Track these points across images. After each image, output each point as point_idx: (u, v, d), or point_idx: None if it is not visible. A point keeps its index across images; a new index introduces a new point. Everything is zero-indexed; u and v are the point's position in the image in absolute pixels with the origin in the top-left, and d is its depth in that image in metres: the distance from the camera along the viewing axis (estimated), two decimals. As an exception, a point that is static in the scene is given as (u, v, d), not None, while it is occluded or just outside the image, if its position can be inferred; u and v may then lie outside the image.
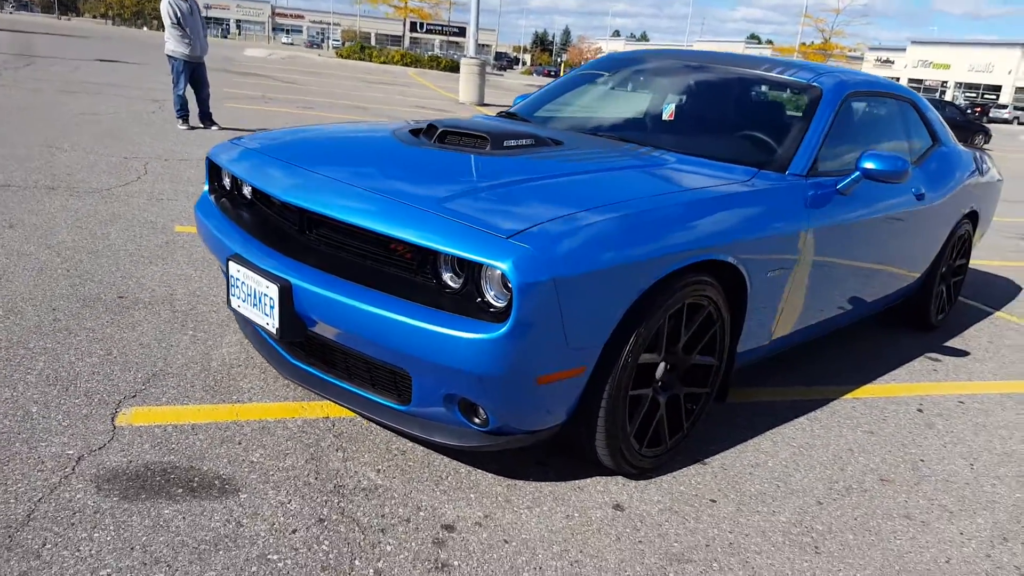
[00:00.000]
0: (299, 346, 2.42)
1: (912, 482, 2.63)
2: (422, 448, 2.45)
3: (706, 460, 2.59)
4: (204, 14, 8.88)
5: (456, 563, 1.94)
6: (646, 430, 2.39)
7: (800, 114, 3.06)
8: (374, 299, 2.05)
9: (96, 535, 1.89)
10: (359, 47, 37.53)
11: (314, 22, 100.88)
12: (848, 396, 3.27)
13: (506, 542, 2.04)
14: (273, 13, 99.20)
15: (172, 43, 8.33)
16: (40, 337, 2.94)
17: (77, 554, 1.82)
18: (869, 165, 2.86)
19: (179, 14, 8.27)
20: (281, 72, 21.50)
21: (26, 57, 16.45)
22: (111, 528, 1.92)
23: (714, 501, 2.35)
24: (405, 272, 2.10)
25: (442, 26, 75.12)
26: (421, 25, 71.15)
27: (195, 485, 2.13)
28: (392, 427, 2.20)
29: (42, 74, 13.06)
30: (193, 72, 8.52)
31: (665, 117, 3.48)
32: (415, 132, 2.76)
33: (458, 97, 18.75)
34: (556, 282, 1.90)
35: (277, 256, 2.28)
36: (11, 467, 2.12)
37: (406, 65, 33.38)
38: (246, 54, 31.02)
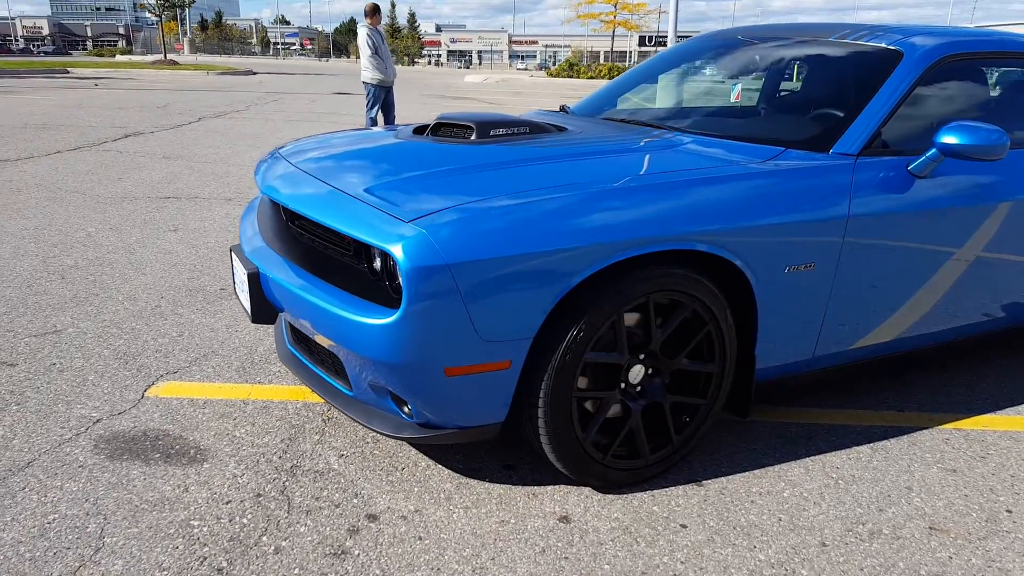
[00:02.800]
0: (292, 330, 2.54)
1: (977, 536, 2.12)
2: (396, 441, 2.44)
3: (705, 481, 2.30)
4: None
5: (357, 552, 1.91)
6: (616, 439, 2.18)
7: (864, 84, 2.61)
8: (309, 285, 2.10)
9: (67, 485, 2.13)
10: (567, 65, 38.30)
11: (547, 46, 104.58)
12: (946, 426, 2.71)
13: (419, 539, 1.98)
14: (510, 41, 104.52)
15: (369, 71, 9.10)
16: (135, 319, 3.37)
17: (42, 499, 2.06)
18: (950, 139, 2.36)
19: (375, 44, 9.03)
20: (489, 95, 22.52)
21: (275, 95, 18.88)
22: (82, 481, 2.15)
23: (684, 527, 2.08)
24: (348, 260, 2.13)
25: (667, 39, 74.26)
26: (650, 39, 70.77)
27: (172, 452, 2.32)
28: (345, 414, 2.22)
29: (282, 107, 14.94)
30: (385, 97, 9.24)
31: (732, 99, 3.15)
32: (420, 128, 2.77)
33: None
34: (453, 268, 1.81)
35: (260, 246, 2.41)
36: (43, 423, 2.46)
37: (612, 78, 33.43)
38: (465, 80, 33.00)
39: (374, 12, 9.27)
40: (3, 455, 2.26)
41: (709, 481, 2.30)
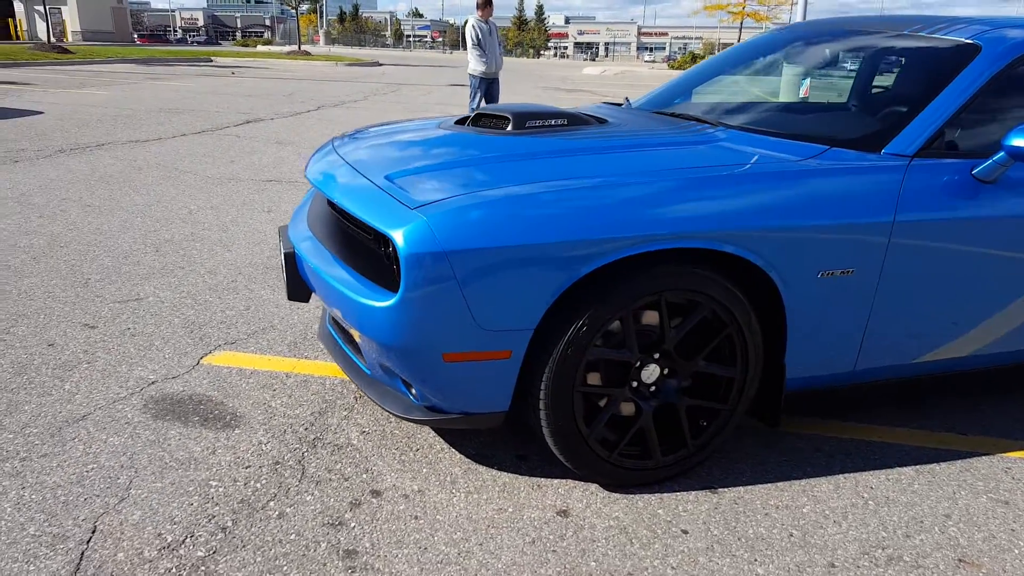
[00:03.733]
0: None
1: (1012, 571, 1.95)
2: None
3: (720, 488, 2.22)
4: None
5: (353, 524, 1.98)
6: (625, 437, 2.15)
7: (932, 80, 2.42)
8: (332, 266, 2.19)
9: (111, 439, 2.32)
10: (690, 57, 37.31)
11: (677, 38, 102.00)
12: (1013, 454, 2.49)
13: (415, 517, 2.02)
14: (639, 33, 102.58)
15: (473, 62, 9.23)
16: (210, 292, 3.60)
17: (87, 450, 2.26)
18: (1021, 142, 2.16)
19: (479, 36, 9.15)
20: (604, 87, 22.20)
21: (395, 85, 19.42)
22: (125, 436, 2.33)
23: (686, 532, 2.02)
24: (371, 245, 2.20)
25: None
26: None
27: (211, 416, 2.48)
28: (364, 393, 2.30)
29: (398, 98, 15.39)
30: (488, 87, 9.35)
31: (801, 94, 3.01)
32: (463, 119, 2.80)
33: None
34: (450, 255, 1.84)
35: (302, 229, 2.52)
36: (105, 381, 2.68)
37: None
38: (583, 72, 32.71)
39: (486, 4, 9.37)
40: (64, 408, 2.48)
41: (725, 489, 2.22)
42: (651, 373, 2.14)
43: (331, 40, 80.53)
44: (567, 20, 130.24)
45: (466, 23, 9.24)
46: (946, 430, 2.62)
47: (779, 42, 3.20)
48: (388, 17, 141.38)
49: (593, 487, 2.20)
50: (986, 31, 2.51)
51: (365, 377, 2.29)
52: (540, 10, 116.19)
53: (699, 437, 2.23)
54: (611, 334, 2.06)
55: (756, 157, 2.22)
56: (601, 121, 2.70)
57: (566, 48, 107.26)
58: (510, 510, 2.08)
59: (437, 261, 1.84)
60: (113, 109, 10.75)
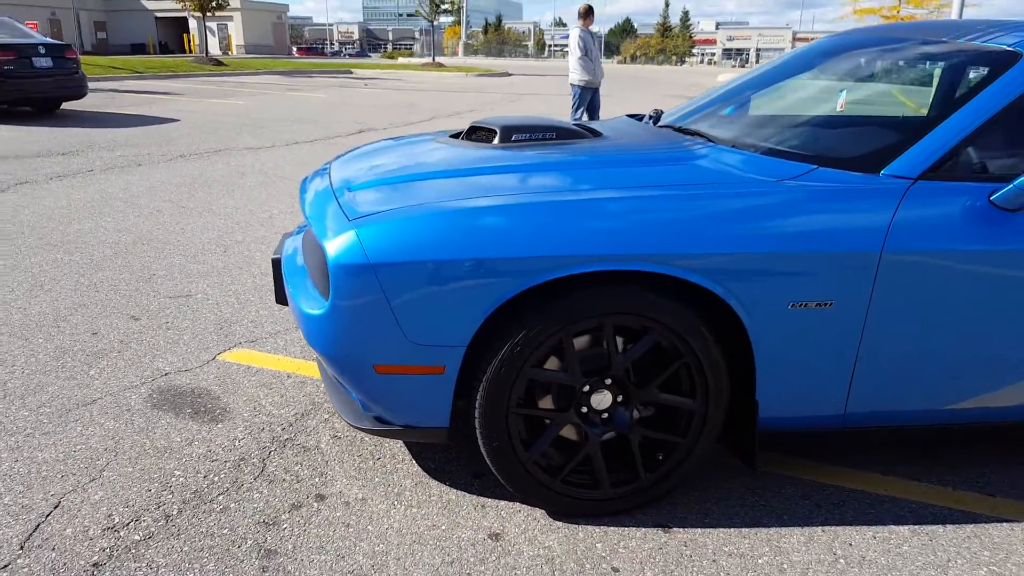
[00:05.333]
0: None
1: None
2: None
3: (674, 528, 2.09)
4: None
5: (285, 526, 2.03)
6: (568, 464, 2.07)
7: (955, 94, 2.19)
8: (293, 274, 2.26)
9: (107, 424, 2.49)
10: None
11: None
12: (1035, 524, 2.20)
13: (347, 525, 2.04)
14: (794, 39, 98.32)
15: (577, 72, 9.22)
16: (253, 292, 3.80)
17: (83, 431, 2.44)
18: (1045, 168, 1.92)
19: (587, 46, 9.12)
20: None
21: (517, 96, 19.65)
22: (121, 422, 2.50)
23: (616, 571, 1.92)
24: (322, 253, 2.24)
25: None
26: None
27: (202, 410, 2.61)
28: (330, 399, 2.35)
29: (518, 108, 15.58)
30: (591, 98, 9.30)
31: (838, 108, 2.80)
32: (459, 132, 2.79)
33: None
34: (377, 268, 1.85)
35: (298, 238, 2.62)
36: (126, 370, 2.88)
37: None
38: (718, 79, 31.65)
39: (587, 14, 9.35)
40: (80, 391, 2.70)
41: (680, 529, 2.09)
42: (602, 400, 2.05)
43: (472, 51, 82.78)
44: (717, 26, 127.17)
45: (571, 33, 9.25)
46: (970, 489, 2.35)
47: (817, 53, 2.99)
48: (531, 27, 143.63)
49: (539, 513, 2.14)
50: (1030, 40, 2.24)
51: (330, 382, 2.34)
52: (685, 16, 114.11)
53: (655, 471, 2.12)
54: (546, 355, 1.99)
55: (727, 177, 2.09)
56: (596, 135, 2.63)
57: (714, 54, 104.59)
58: (443, 527, 2.05)
59: (364, 273, 1.85)
60: (243, 118, 11.56)
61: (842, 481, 2.35)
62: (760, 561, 1.98)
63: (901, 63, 2.68)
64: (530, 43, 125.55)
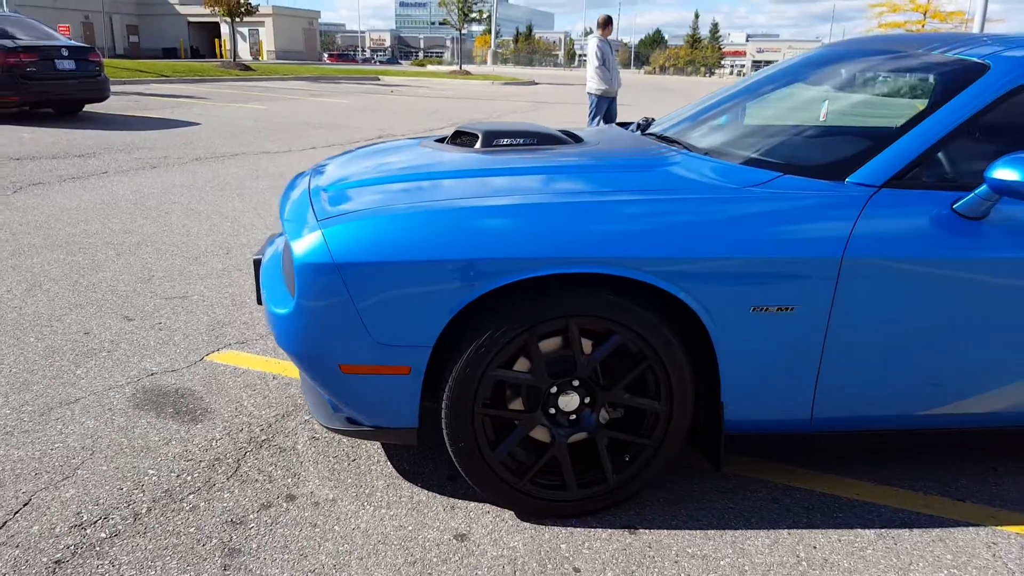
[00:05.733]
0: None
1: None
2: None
3: (640, 530, 2.09)
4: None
5: (252, 525, 2.05)
6: (535, 465, 2.08)
7: (923, 103, 2.16)
8: (269, 275, 2.29)
9: (88, 422, 2.54)
10: None
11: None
12: (1008, 528, 2.15)
13: (314, 525, 2.06)
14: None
15: (595, 82, 9.19)
16: (249, 295, 3.84)
17: (62, 430, 2.48)
18: (1005, 174, 1.88)
19: (604, 56, 9.11)
20: None
21: (541, 104, 19.67)
22: (101, 421, 2.55)
23: (577, 571, 1.92)
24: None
25: None
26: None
27: (184, 410, 2.65)
28: (305, 398, 2.37)
29: (539, 116, 15.62)
30: (608, 107, 9.28)
31: (820, 118, 2.78)
32: (444, 137, 2.81)
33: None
34: (342, 268, 1.87)
35: (273, 244, 2.65)
36: (113, 369, 2.93)
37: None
38: None
39: (606, 24, 9.35)
40: (64, 390, 2.75)
41: (647, 531, 2.08)
42: (570, 401, 2.05)
43: (502, 60, 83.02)
44: (747, 38, 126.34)
45: (589, 42, 9.23)
46: (941, 493, 2.31)
47: (802, 66, 2.97)
48: (561, 37, 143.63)
49: (508, 514, 2.14)
50: (1003, 49, 2.21)
51: (307, 384, 2.37)
52: (715, 28, 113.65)
53: (623, 472, 2.11)
54: (512, 357, 2.00)
55: (693, 183, 2.08)
56: (577, 141, 2.63)
57: (743, 66, 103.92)
58: (410, 528, 2.06)
59: (328, 273, 1.87)
60: (263, 122, 11.71)
61: (814, 485, 2.32)
62: (722, 563, 1.96)
63: (881, 74, 2.65)
64: (560, 52, 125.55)
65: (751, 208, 1.96)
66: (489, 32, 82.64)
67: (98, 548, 1.92)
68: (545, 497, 2.10)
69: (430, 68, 48.39)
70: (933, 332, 2.02)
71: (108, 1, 49.40)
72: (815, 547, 2.04)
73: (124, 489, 2.18)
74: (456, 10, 35.15)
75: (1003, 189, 1.88)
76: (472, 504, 2.17)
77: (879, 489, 2.32)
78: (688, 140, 2.57)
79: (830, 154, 2.16)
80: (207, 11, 29.76)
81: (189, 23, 55.33)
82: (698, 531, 2.09)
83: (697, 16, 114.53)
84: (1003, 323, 2.02)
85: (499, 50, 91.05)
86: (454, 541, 2.01)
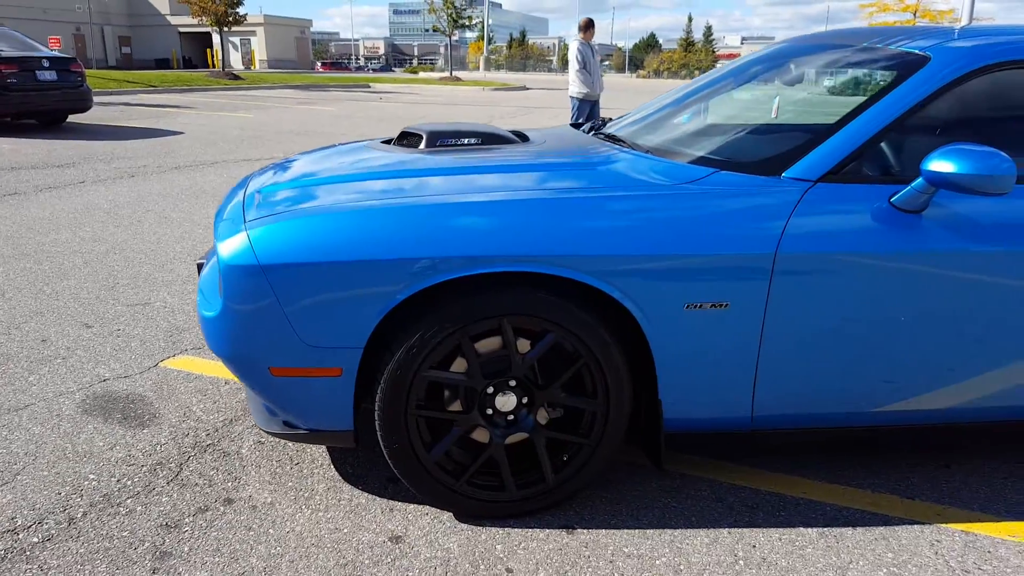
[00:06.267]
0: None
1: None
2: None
3: (578, 529, 2.07)
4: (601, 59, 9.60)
5: (187, 529, 2.04)
6: (471, 466, 2.07)
7: (864, 95, 2.16)
8: (205, 279, 2.28)
9: (34, 429, 2.52)
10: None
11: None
12: (953, 525, 2.14)
13: (249, 529, 2.05)
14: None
15: (576, 85, 9.22)
16: (211, 299, 3.83)
17: (6, 437, 2.47)
18: (940, 166, 1.88)
19: (585, 59, 9.13)
20: None
21: (530, 109, 19.71)
22: (48, 427, 2.53)
23: (510, 572, 1.91)
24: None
25: None
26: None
27: (132, 415, 2.63)
28: (248, 402, 2.36)
29: (528, 120, 15.65)
30: (590, 110, 9.30)
31: (772, 115, 2.78)
32: (391, 139, 2.81)
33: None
34: (267, 270, 1.86)
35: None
36: (66, 376, 2.92)
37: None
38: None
39: (587, 27, 9.38)
40: (15, 397, 2.73)
41: (585, 530, 2.07)
42: (507, 402, 2.05)
43: (496, 66, 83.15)
44: (742, 41, 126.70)
45: (570, 46, 9.26)
46: (889, 492, 2.30)
47: (757, 61, 2.97)
48: (555, 43, 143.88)
49: (447, 516, 2.13)
50: (945, 41, 2.21)
51: (244, 387, 2.35)
52: (708, 31, 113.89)
53: (561, 472, 2.10)
54: (446, 357, 1.99)
55: (628, 181, 2.08)
56: (525, 140, 2.63)
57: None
58: (345, 530, 2.05)
59: (254, 275, 1.86)
60: (247, 131, 11.70)
61: (760, 484, 2.32)
62: (658, 562, 1.95)
63: (829, 69, 2.66)
64: (554, 58, 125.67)
65: (682, 205, 1.96)
66: (482, 38, 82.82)
67: (28, 553, 1.91)
68: (483, 498, 2.08)
69: (422, 75, 48.47)
70: (873, 328, 2.01)
71: (100, 13, 49.47)
72: (755, 546, 2.03)
73: (62, 494, 2.16)
74: (446, 16, 35.24)
75: (938, 181, 1.88)
76: (412, 506, 2.16)
77: (828, 487, 2.31)
78: (635, 139, 2.57)
79: (768, 150, 2.16)
80: (195, 21, 29.78)
81: (181, 33, 55.39)
82: (637, 530, 2.08)
83: (690, 20, 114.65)
84: (943, 317, 2.02)
85: (492, 56, 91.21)
86: (389, 543, 2.00)
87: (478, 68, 75.06)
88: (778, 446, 2.20)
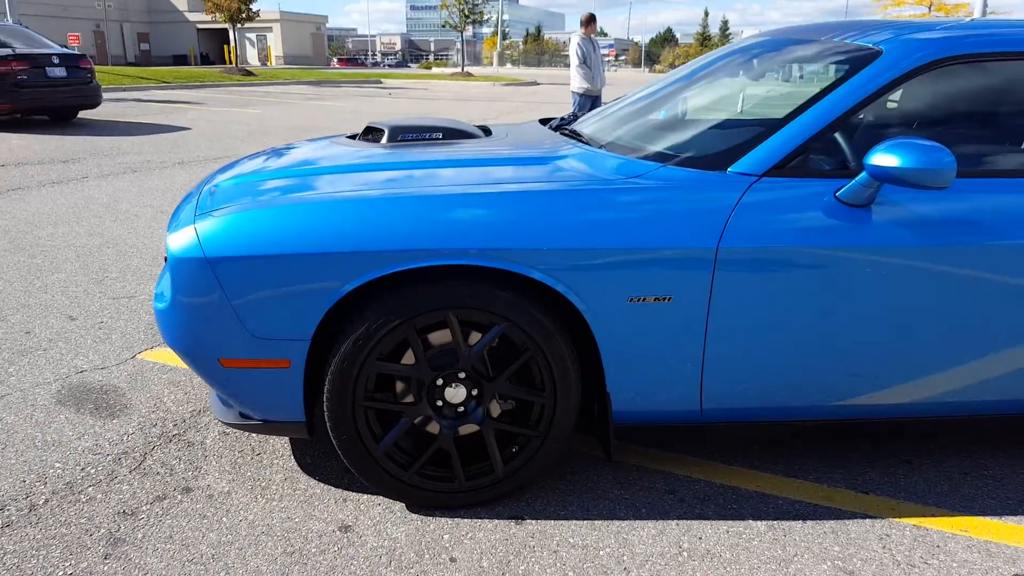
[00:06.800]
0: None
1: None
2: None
3: (527, 520, 2.10)
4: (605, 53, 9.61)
5: (143, 516, 2.08)
6: (420, 458, 2.10)
7: (812, 92, 2.16)
8: (163, 273, 2.32)
9: (7, 419, 2.58)
10: None
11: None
12: (906, 519, 2.14)
13: (203, 517, 2.09)
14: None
15: (577, 80, 9.23)
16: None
17: (-18, 426, 2.53)
18: (883, 160, 1.88)
19: (585, 54, 9.13)
20: None
21: (540, 104, 19.68)
22: (21, 416, 2.59)
23: (453, 561, 1.94)
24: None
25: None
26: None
27: (104, 406, 2.69)
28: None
29: (528, 115, 15.59)
30: (592, 105, 9.29)
31: (738, 110, 2.79)
32: (356, 134, 2.84)
33: None
34: (213, 262, 1.90)
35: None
36: (45, 367, 2.98)
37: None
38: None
39: (589, 22, 9.39)
40: (-7, 387, 2.80)
41: (533, 521, 2.10)
42: (456, 393, 2.07)
43: (511, 61, 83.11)
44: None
45: (571, 40, 9.27)
46: (844, 486, 2.31)
47: (728, 55, 2.97)
48: (571, 38, 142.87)
49: (399, 506, 2.16)
50: (897, 36, 2.21)
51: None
52: (725, 25, 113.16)
53: (510, 463, 2.13)
54: (394, 349, 2.02)
55: (575, 175, 2.10)
56: (488, 134, 2.65)
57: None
58: (297, 519, 2.09)
59: (201, 267, 1.90)
60: (253, 127, 11.80)
61: (716, 477, 2.33)
62: (602, 553, 1.97)
63: (790, 64, 2.66)
64: (569, 52, 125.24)
65: (624, 199, 1.97)
66: (495, 34, 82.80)
67: (-15, 539, 1.96)
68: (433, 488, 2.11)
69: (435, 70, 48.56)
70: (818, 322, 2.02)
71: (119, 9, 49.91)
72: (700, 538, 2.04)
73: (27, 481, 2.22)
74: (457, 12, 35.24)
75: (882, 175, 1.88)
76: (365, 497, 2.19)
77: (783, 481, 2.32)
78: (595, 135, 2.58)
79: (719, 145, 2.16)
80: (209, 18, 29.99)
81: (199, 30, 55.75)
82: (585, 521, 2.10)
83: (707, 14, 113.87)
84: (889, 312, 2.02)
85: (507, 51, 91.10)
86: (337, 532, 2.04)
87: (492, 63, 74.99)
88: (729, 439, 2.21)
